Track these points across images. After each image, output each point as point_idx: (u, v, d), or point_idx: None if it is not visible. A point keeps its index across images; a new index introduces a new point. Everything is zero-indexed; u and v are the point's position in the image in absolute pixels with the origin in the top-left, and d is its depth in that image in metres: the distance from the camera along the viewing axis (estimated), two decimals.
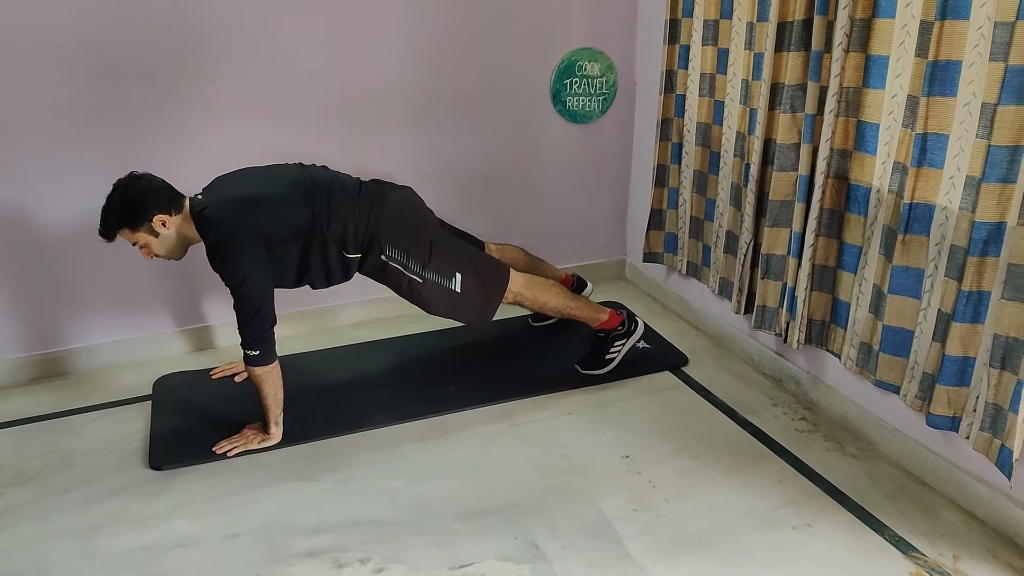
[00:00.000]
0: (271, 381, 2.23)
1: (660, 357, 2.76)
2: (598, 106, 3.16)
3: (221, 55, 2.59)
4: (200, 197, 2.22)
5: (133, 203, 2.13)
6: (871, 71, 2.07)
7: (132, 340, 2.79)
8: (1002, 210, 1.75)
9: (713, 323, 2.91)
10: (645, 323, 2.79)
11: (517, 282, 2.51)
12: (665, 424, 2.39)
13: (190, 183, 2.64)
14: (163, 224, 2.15)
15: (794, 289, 2.36)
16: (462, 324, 2.53)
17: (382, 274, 2.38)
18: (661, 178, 2.99)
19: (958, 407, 1.93)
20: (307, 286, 2.41)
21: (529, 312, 3.04)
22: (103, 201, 2.13)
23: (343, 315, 3.06)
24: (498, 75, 2.96)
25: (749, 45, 2.47)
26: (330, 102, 2.77)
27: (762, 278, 2.49)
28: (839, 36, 2.07)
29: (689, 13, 2.71)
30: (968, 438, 1.90)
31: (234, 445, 2.27)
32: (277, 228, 2.21)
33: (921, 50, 1.88)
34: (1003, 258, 1.76)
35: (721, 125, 2.65)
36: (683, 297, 3.09)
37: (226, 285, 2.15)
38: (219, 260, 2.14)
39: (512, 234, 3.20)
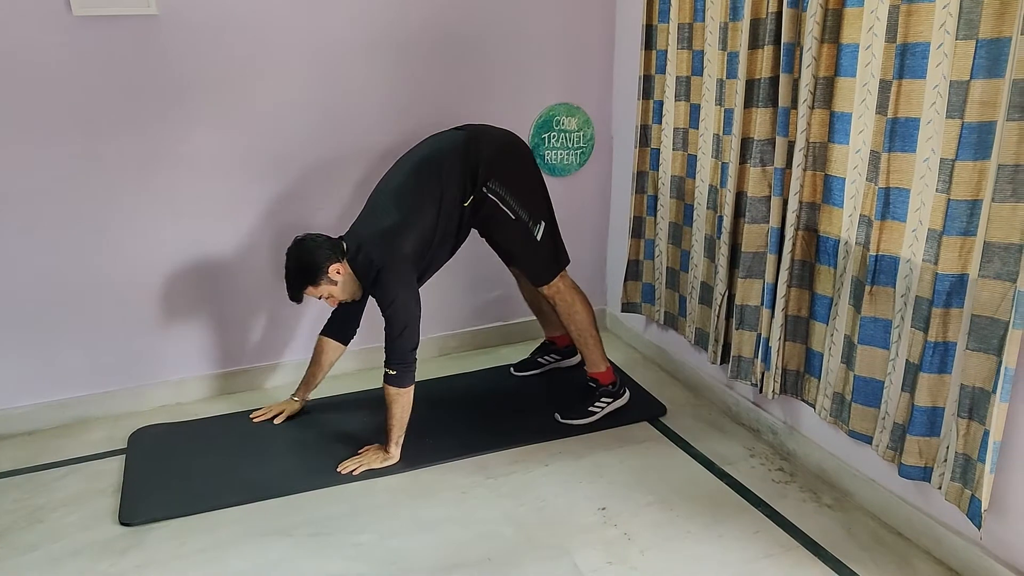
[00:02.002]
0: (400, 403, 2.35)
1: (638, 408, 2.76)
2: (576, 159, 3.22)
3: (199, 108, 2.63)
4: (346, 243, 2.38)
5: (307, 263, 2.33)
6: (835, 127, 2.12)
7: (106, 394, 2.77)
8: (963, 262, 1.78)
9: (691, 373, 2.92)
10: (625, 373, 2.81)
11: (567, 280, 2.60)
12: (642, 476, 2.38)
13: (171, 232, 2.66)
14: (337, 272, 2.34)
15: (768, 339, 2.38)
16: (529, 280, 2.64)
17: (479, 210, 2.43)
18: (637, 229, 3.03)
19: (929, 457, 1.93)
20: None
21: (512, 363, 3.06)
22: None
23: None
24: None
25: (720, 101, 2.54)
26: (313, 155, 2.81)
27: (737, 328, 2.51)
28: (804, 93, 2.13)
29: (662, 70, 2.79)
30: (940, 488, 1.90)
31: (357, 464, 2.38)
32: (424, 236, 2.35)
33: (881, 108, 1.93)
34: (966, 309, 1.79)
35: (694, 178, 2.70)
36: (661, 347, 3.11)
37: (378, 306, 2.34)
38: (376, 291, 2.34)
39: (494, 284, 3.23)
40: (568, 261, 2.63)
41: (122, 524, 2.18)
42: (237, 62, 2.62)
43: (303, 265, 2.33)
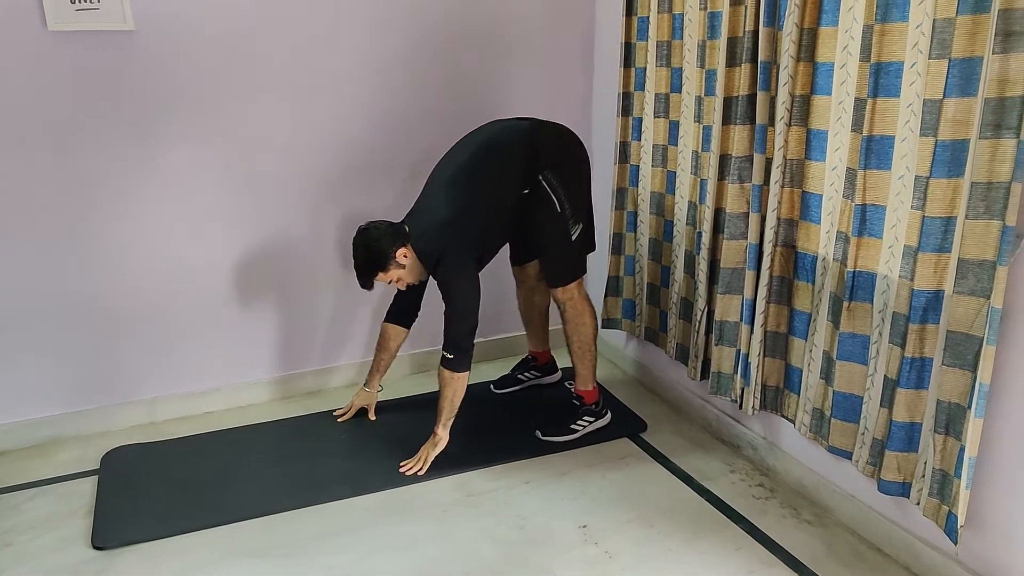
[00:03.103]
0: (453, 387, 2.42)
1: (619, 424, 2.75)
2: None
3: (175, 125, 2.61)
4: (408, 229, 2.43)
5: (375, 250, 2.39)
6: (812, 144, 2.15)
7: (78, 413, 2.72)
8: (939, 279, 1.80)
9: (672, 389, 2.92)
10: (606, 389, 2.81)
11: (582, 289, 2.63)
12: (623, 492, 2.37)
13: (145, 249, 2.63)
14: (404, 256, 2.40)
15: (747, 355, 2.39)
16: (547, 278, 2.63)
17: (531, 196, 2.44)
18: (617, 246, 3.03)
19: (907, 473, 1.94)
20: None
21: (492, 379, 3.04)
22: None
23: (298, 384, 3.02)
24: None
25: (698, 118, 2.56)
26: (289, 171, 2.80)
27: (716, 344, 2.51)
28: (781, 111, 2.15)
29: (641, 87, 2.80)
30: (918, 504, 1.91)
31: (418, 464, 2.45)
32: (483, 223, 2.43)
33: (857, 125, 1.95)
34: (942, 325, 1.80)
35: (673, 195, 2.72)
36: (642, 363, 3.11)
37: (440, 291, 2.42)
38: (437, 275, 2.42)
39: None
40: (585, 271, 2.64)
41: (94, 547, 2.14)
42: (215, 76, 2.61)
43: (372, 253, 2.38)
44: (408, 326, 2.71)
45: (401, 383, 3.11)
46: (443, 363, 2.41)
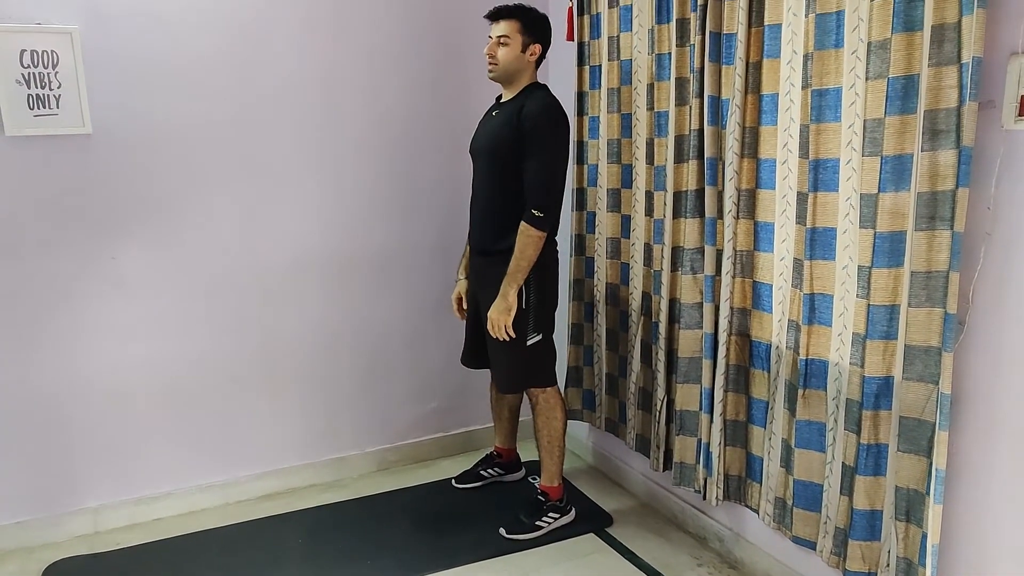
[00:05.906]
0: (536, 246, 2.38)
1: (585, 519, 2.70)
2: None
3: (131, 226, 2.60)
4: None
5: (544, 21, 2.47)
6: (760, 236, 2.21)
7: (18, 524, 2.58)
8: (888, 365, 1.83)
9: (635, 480, 2.89)
10: (570, 483, 2.77)
11: (558, 389, 2.65)
12: None
13: (95, 351, 2.57)
14: (532, 53, 2.45)
15: (708, 445, 2.38)
16: (496, 382, 2.69)
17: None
18: (576, 336, 3.05)
19: (872, 562, 1.93)
20: None
21: (455, 475, 2.99)
22: None
23: (252, 486, 2.91)
24: (410, 238, 3.04)
25: (649, 212, 2.63)
26: (245, 272, 2.78)
27: (678, 434, 2.51)
28: (728, 204, 2.23)
29: (593, 183, 2.89)
30: None
31: (498, 334, 2.42)
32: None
33: (800, 218, 2.03)
34: (895, 411, 1.83)
35: (628, 286, 2.76)
36: (605, 454, 3.08)
37: (531, 155, 2.37)
38: (531, 125, 2.37)
39: (432, 394, 3.19)
40: (546, 380, 2.61)
41: None
42: (173, 177, 2.62)
43: (543, 18, 2.47)
44: None
45: (360, 482, 3.03)
46: (528, 219, 2.35)
